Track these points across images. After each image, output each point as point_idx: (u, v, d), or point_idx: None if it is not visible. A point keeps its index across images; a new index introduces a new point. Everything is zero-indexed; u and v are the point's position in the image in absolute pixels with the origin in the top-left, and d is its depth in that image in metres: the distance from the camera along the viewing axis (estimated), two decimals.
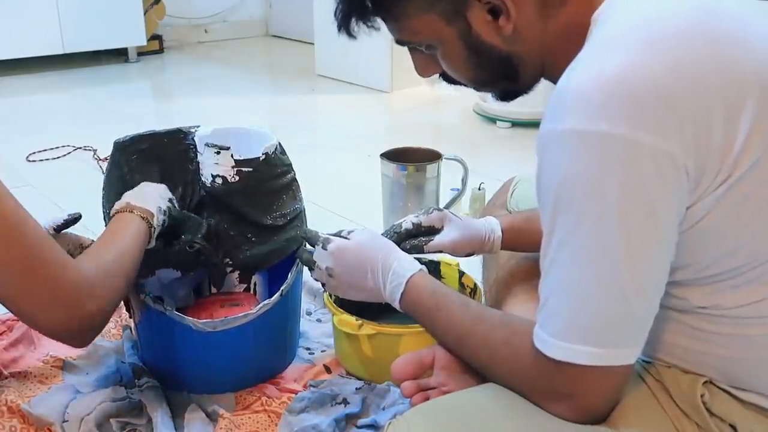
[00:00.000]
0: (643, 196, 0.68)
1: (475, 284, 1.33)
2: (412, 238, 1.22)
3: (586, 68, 0.70)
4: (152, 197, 1.17)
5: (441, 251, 1.23)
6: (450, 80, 0.90)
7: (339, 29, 0.88)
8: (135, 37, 3.87)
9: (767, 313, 0.74)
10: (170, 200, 1.21)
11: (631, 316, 0.72)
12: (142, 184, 1.21)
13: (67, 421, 1.15)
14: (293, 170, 1.34)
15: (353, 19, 0.85)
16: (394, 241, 1.17)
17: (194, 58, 4.21)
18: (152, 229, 1.13)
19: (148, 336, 1.28)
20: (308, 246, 1.10)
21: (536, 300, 1.18)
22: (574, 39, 0.77)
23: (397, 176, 1.75)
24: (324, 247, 1.05)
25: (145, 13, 3.89)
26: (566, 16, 0.78)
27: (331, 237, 1.07)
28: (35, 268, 0.89)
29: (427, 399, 0.89)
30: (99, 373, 1.27)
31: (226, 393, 1.24)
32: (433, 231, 1.22)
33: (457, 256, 1.25)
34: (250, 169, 1.27)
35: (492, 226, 1.22)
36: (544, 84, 0.88)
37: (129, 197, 1.16)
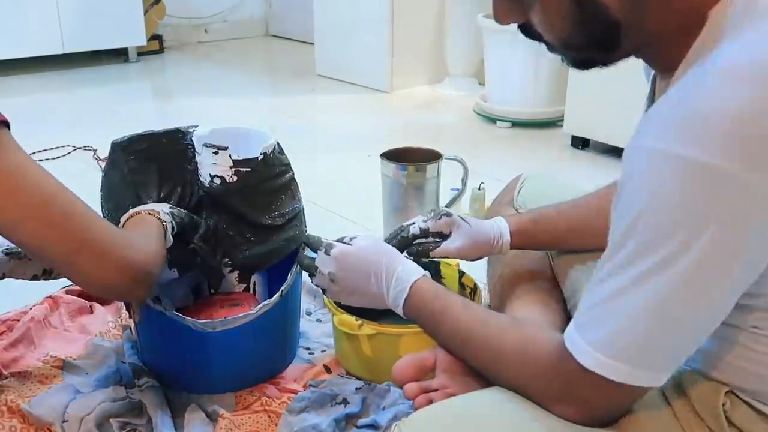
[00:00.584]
0: (738, 238, 0.65)
1: (474, 284, 1.33)
2: (418, 241, 1.21)
3: (711, 93, 0.65)
4: (152, 205, 1.18)
5: (447, 257, 1.22)
6: (530, 34, 0.81)
7: None
8: (135, 37, 3.87)
9: None
10: (171, 208, 1.21)
11: (680, 347, 0.71)
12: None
13: (67, 421, 1.15)
14: (292, 170, 1.33)
15: None
16: (399, 246, 1.18)
17: (194, 58, 4.21)
18: (164, 224, 1.13)
19: (148, 336, 1.28)
20: (308, 251, 1.10)
21: (539, 302, 1.18)
22: (687, 27, 0.71)
23: (397, 176, 1.75)
24: (327, 252, 1.06)
25: (145, 13, 3.89)
26: (688, 2, 0.71)
27: (334, 242, 1.07)
28: (79, 228, 0.92)
29: (430, 401, 0.89)
30: (99, 373, 1.27)
31: (226, 393, 1.24)
32: (440, 235, 1.20)
33: (464, 260, 1.24)
34: (248, 169, 1.27)
35: (501, 229, 1.20)
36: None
37: (132, 210, 1.16)
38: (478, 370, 0.87)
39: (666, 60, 0.76)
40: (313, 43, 3.77)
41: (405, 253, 1.19)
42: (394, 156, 1.77)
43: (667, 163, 0.65)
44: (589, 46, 0.77)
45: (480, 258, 1.24)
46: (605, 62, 0.81)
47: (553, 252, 1.25)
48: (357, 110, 3.19)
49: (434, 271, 1.40)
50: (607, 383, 0.71)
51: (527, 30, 0.80)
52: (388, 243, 1.17)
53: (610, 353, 0.70)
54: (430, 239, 1.20)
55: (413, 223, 1.21)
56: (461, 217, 1.21)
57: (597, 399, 0.73)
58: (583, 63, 0.82)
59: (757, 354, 0.75)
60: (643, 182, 0.67)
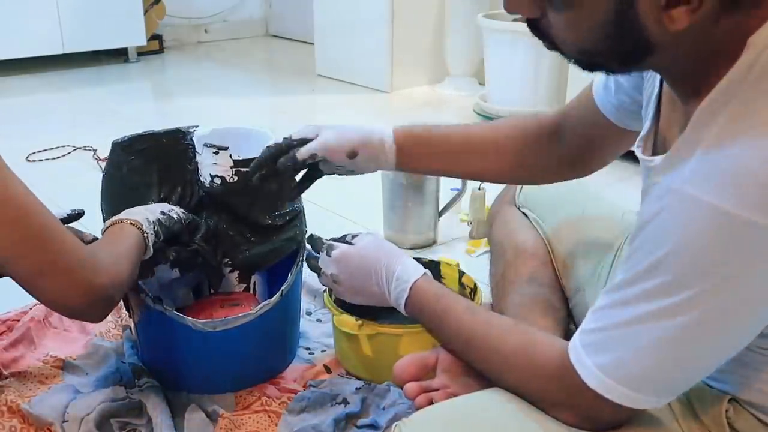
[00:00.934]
0: (760, 296, 0.65)
1: (475, 284, 1.33)
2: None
3: (760, 150, 0.62)
4: (138, 212, 1.16)
5: (316, 157, 1.08)
6: (537, 30, 0.75)
7: None
8: (135, 37, 3.87)
9: None
10: (162, 213, 1.19)
11: (689, 379, 0.72)
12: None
13: (67, 421, 1.15)
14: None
15: None
16: (268, 161, 1.09)
17: (194, 58, 4.21)
18: (145, 235, 1.12)
19: (148, 336, 1.28)
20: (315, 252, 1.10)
21: (539, 303, 1.18)
22: (723, 54, 0.67)
23: (397, 176, 1.75)
24: (328, 254, 1.06)
25: (145, 13, 3.89)
26: (732, 26, 0.66)
27: (335, 243, 1.07)
28: (50, 247, 0.92)
29: (430, 400, 0.89)
30: (99, 373, 1.27)
31: (226, 393, 1.24)
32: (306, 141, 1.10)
33: (336, 160, 1.08)
34: (248, 170, 1.27)
35: (381, 127, 1.10)
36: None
37: (116, 217, 1.15)
38: (479, 371, 0.87)
39: (688, 81, 0.73)
40: (313, 43, 3.77)
41: (278, 166, 1.09)
42: None
43: (706, 212, 0.64)
44: (608, 57, 0.73)
45: (362, 164, 1.10)
46: (616, 72, 0.78)
47: (555, 247, 1.24)
48: (357, 110, 3.19)
49: (434, 270, 1.39)
50: (608, 401, 0.72)
51: (536, 26, 0.74)
52: (260, 164, 1.10)
53: (615, 377, 0.71)
54: (294, 149, 1.09)
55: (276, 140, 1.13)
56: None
57: (596, 412, 0.74)
58: (591, 67, 0.76)
59: (760, 373, 0.75)
60: (677, 224, 0.66)
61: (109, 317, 1.42)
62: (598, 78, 1.01)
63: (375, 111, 3.18)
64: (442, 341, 0.94)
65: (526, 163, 1.12)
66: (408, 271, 0.98)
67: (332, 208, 2.03)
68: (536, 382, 0.78)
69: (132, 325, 1.35)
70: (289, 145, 1.10)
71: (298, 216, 1.33)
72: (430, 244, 1.83)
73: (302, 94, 3.47)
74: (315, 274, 1.14)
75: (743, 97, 0.65)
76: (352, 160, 1.08)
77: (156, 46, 4.15)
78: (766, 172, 0.61)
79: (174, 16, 4.30)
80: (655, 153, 0.81)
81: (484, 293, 1.35)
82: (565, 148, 1.09)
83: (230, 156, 1.27)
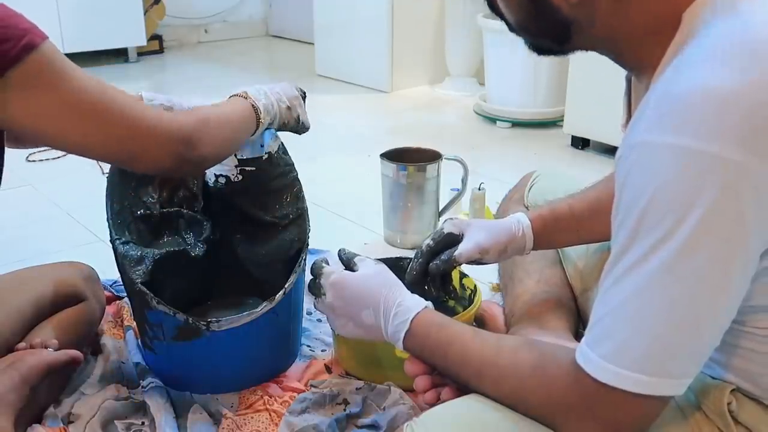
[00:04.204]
0: (738, 226, 0.64)
1: (475, 285, 1.33)
2: (435, 257, 1.17)
3: (699, 79, 0.65)
4: (260, 95, 1.19)
5: (474, 261, 1.16)
6: (494, 9, 0.84)
7: None
8: (135, 37, 3.88)
9: None
10: (288, 107, 1.23)
11: (697, 347, 0.69)
12: (270, 85, 1.25)
13: (72, 422, 1.15)
14: (296, 170, 1.34)
15: None
16: (421, 269, 1.16)
17: (194, 58, 4.21)
18: (259, 119, 1.16)
19: (152, 336, 1.28)
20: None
21: (550, 302, 1.17)
22: (660, 32, 0.72)
23: (397, 176, 1.75)
24: (325, 279, 1.01)
25: (145, 13, 3.89)
26: (651, 6, 0.73)
27: (333, 269, 1.02)
28: (135, 127, 0.96)
29: (438, 395, 0.89)
30: (102, 374, 1.27)
31: (229, 393, 1.24)
32: (452, 243, 1.16)
33: (491, 261, 1.18)
34: (253, 169, 1.27)
35: (518, 218, 1.16)
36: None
37: (248, 90, 1.20)
38: (494, 399, 0.81)
39: (637, 60, 0.77)
40: (313, 43, 3.77)
41: (430, 277, 1.17)
42: (394, 156, 1.77)
43: (658, 153, 0.64)
44: (540, 35, 0.82)
45: (505, 256, 1.18)
46: (559, 53, 0.84)
47: (565, 251, 1.24)
48: (357, 110, 3.20)
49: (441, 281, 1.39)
50: (627, 397, 0.69)
51: (492, 5, 0.83)
52: (410, 280, 1.15)
53: (624, 364, 0.68)
54: (447, 252, 1.16)
55: (420, 248, 1.18)
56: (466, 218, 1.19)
57: (619, 415, 0.71)
58: (538, 49, 0.85)
59: (759, 355, 0.75)
60: (637, 180, 0.66)
61: (111, 317, 1.42)
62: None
63: (375, 111, 3.18)
64: (448, 371, 0.88)
65: None
66: (409, 305, 0.93)
67: (332, 208, 2.04)
68: (553, 399, 0.75)
69: (134, 325, 1.35)
70: (437, 249, 1.17)
71: (302, 216, 1.33)
72: None
73: None
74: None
75: (684, 55, 0.68)
76: (504, 255, 1.16)
77: (156, 46, 4.15)
78: (699, 97, 0.63)
79: (174, 16, 4.30)
80: None
81: (484, 293, 1.36)
82: None
83: (235, 155, 1.27)
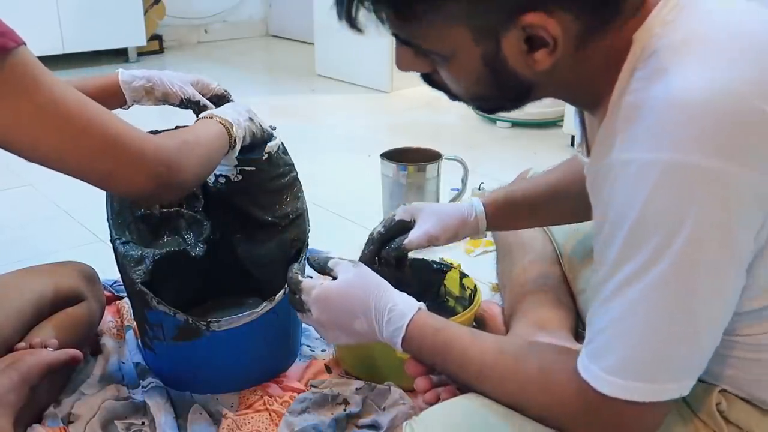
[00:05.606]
0: (727, 233, 0.64)
1: (475, 285, 1.33)
2: (387, 245, 1.16)
3: (668, 92, 0.65)
4: (225, 113, 1.17)
5: (424, 246, 1.16)
6: (433, 83, 0.81)
7: (340, 16, 0.73)
8: (135, 37, 3.87)
9: None
10: (250, 118, 1.22)
11: (697, 353, 0.69)
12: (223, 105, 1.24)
13: (72, 422, 1.15)
14: (295, 170, 1.34)
15: (358, 6, 0.72)
16: (371, 256, 1.15)
17: (194, 58, 4.21)
18: (232, 137, 1.14)
19: (152, 336, 1.28)
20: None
21: (549, 300, 1.17)
22: (609, 65, 0.72)
23: (397, 176, 1.75)
24: (307, 294, 0.98)
25: (145, 13, 3.89)
26: (604, 45, 0.72)
27: (312, 282, 0.98)
28: (115, 152, 0.92)
29: (437, 396, 0.88)
30: (102, 374, 1.27)
31: (229, 393, 1.24)
32: (405, 230, 1.16)
33: (440, 244, 1.18)
34: (253, 169, 1.27)
35: (473, 202, 1.17)
36: None
37: (207, 112, 1.18)
38: (496, 401, 0.81)
39: (592, 97, 0.77)
40: (313, 43, 3.77)
41: (378, 264, 1.16)
42: (394, 156, 1.77)
43: (641, 170, 0.65)
44: (500, 99, 0.79)
45: (456, 240, 1.19)
46: (513, 108, 0.82)
47: (562, 246, 1.24)
48: (357, 110, 3.19)
49: (439, 282, 1.39)
50: (632, 405, 0.69)
51: (430, 80, 0.80)
52: (364, 260, 1.14)
53: (627, 376, 0.69)
54: (397, 240, 1.16)
55: (372, 235, 1.18)
56: (420, 203, 1.19)
57: (626, 423, 0.71)
58: (489, 111, 0.85)
59: (746, 362, 0.75)
60: (622, 197, 0.66)
61: (111, 317, 1.42)
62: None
63: (375, 111, 3.18)
64: (448, 374, 0.88)
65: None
66: (401, 309, 0.90)
67: (332, 208, 2.04)
68: (556, 407, 0.75)
69: (134, 325, 1.35)
70: (389, 235, 1.17)
71: (301, 216, 1.34)
72: None
73: (302, 94, 3.47)
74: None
75: (646, 71, 0.68)
76: (455, 239, 1.17)
77: (156, 46, 4.15)
78: (685, 109, 0.63)
79: (174, 17, 4.30)
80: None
81: (484, 294, 1.36)
82: None
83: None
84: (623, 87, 0.70)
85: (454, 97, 0.81)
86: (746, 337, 0.74)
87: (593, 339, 0.72)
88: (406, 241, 1.14)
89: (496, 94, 0.77)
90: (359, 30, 0.74)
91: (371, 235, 1.18)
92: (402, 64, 0.79)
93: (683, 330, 0.67)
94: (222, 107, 1.22)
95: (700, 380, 0.77)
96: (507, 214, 1.18)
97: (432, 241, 1.15)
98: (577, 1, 0.68)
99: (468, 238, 1.29)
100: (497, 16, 0.69)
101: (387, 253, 1.16)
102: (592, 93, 0.76)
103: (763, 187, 0.64)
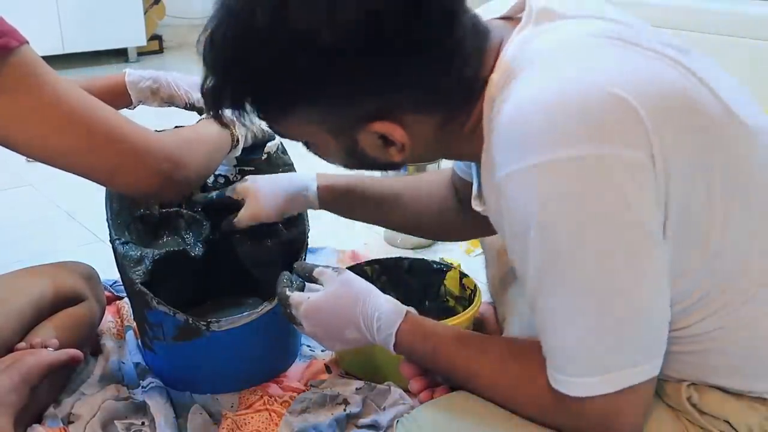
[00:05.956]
0: (627, 209, 0.66)
1: (475, 285, 1.33)
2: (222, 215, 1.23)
3: (521, 99, 0.69)
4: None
5: (253, 223, 1.22)
6: (312, 151, 0.87)
7: (209, 111, 0.81)
8: (135, 37, 3.87)
9: (711, 328, 0.74)
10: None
11: (648, 330, 0.71)
12: None
13: (72, 422, 1.15)
14: (295, 170, 1.34)
15: (225, 106, 0.79)
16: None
17: (194, 58, 4.11)
18: (234, 136, 1.14)
19: (152, 336, 1.28)
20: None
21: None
22: (473, 127, 0.78)
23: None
24: (295, 309, 0.98)
25: (145, 13, 3.89)
26: (463, 119, 0.78)
27: (300, 297, 0.98)
28: (118, 147, 0.92)
29: (432, 396, 0.89)
30: (102, 374, 1.27)
31: (229, 393, 1.24)
32: (237, 207, 1.22)
33: (270, 221, 1.23)
34: (252, 169, 1.27)
35: (307, 183, 1.20)
36: None
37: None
38: (490, 401, 0.82)
39: (464, 152, 0.84)
40: None
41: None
42: None
43: (525, 179, 0.67)
44: (376, 170, 0.89)
45: (285, 215, 1.24)
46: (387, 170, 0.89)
47: None
48: None
49: (439, 282, 1.39)
50: (611, 397, 0.70)
51: (309, 148, 0.86)
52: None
53: (595, 371, 0.70)
54: (226, 220, 1.22)
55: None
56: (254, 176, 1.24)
57: (612, 417, 0.72)
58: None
59: (695, 355, 0.76)
60: (517, 208, 0.69)
61: (111, 317, 1.42)
62: None
63: None
64: (442, 377, 0.90)
65: (448, 222, 1.19)
66: (388, 318, 0.90)
67: None
68: (543, 412, 0.76)
69: (134, 325, 1.35)
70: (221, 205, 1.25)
71: (301, 216, 1.34)
72: (430, 244, 1.83)
73: None
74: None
75: (499, 101, 0.72)
76: (283, 216, 1.24)
77: (156, 46, 4.15)
78: (545, 111, 0.66)
79: (174, 16, 4.30)
80: None
81: (484, 294, 1.36)
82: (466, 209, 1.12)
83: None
84: (488, 122, 0.74)
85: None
86: (682, 330, 0.75)
87: (548, 353, 0.73)
88: (235, 220, 1.21)
89: (368, 168, 0.87)
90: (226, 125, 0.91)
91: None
92: (275, 133, 0.87)
93: (622, 315, 0.68)
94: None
95: (668, 377, 0.78)
96: (339, 199, 1.21)
97: (259, 219, 1.22)
98: (425, 104, 0.75)
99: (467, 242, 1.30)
100: (347, 121, 0.76)
101: (223, 228, 1.24)
102: (465, 150, 0.81)
103: (642, 162, 0.66)
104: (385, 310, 0.91)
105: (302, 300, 0.97)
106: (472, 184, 0.94)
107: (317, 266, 1.03)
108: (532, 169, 0.66)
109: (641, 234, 0.67)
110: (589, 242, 0.66)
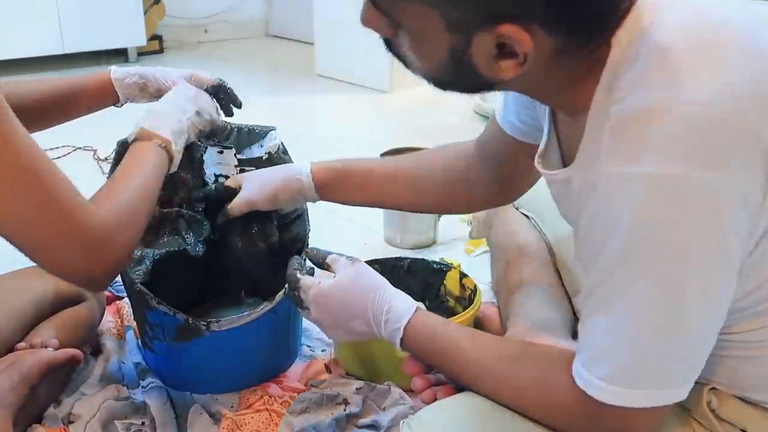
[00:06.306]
0: (719, 241, 0.65)
1: (475, 285, 1.33)
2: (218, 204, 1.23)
3: (651, 101, 0.65)
4: (168, 118, 1.10)
5: (245, 211, 1.21)
6: (391, 49, 0.78)
7: None
8: (135, 37, 3.87)
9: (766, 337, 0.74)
10: (198, 112, 1.16)
11: (692, 359, 0.70)
12: (165, 96, 1.17)
13: (72, 422, 1.15)
14: None
15: None
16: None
17: (194, 58, 4.21)
18: (171, 156, 1.07)
19: (152, 336, 1.28)
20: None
21: (545, 302, 1.17)
22: (585, 71, 0.72)
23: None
24: (304, 292, 0.98)
25: (145, 13, 3.89)
26: (580, 56, 0.71)
27: (311, 281, 0.97)
28: (53, 216, 0.83)
29: (434, 395, 0.88)
30: (102, 374, 1.27)
31: (229, 393, 1.24)
32: (233, 196, 1.21)
33: (266, 208, 1.22)
34: (253, 168, 1.27)
35: (300, 168, 1.19)
36: None
37: (145, 121, 1.08)
38: (497, 402, 0.82)
39: (566, 101, 0.77)
40: (313, 43, 3.77)
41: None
42: (394, 155, 1.77)
43: (629, 183, 0.65)
44: (457, 87, 0.78)
45: (279, 204, 1.22)
46: (466, 93, 0.81)
47: (557, 250, 1.24)
48: (357, 110, 3.19)
49: (439, 282, 1.39)
50: (633, 411, 0.70)
51: (390, 45, 0.78)
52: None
53: (627, 383, 0.69)
54: (223, 209, 1.22)
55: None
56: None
57: (629, 428, 0.72)
58: (443, 87, 0.80)
59: (732, 359, 0.75)
60: (613, 210, 0.67)
61: (111, 317, 1.42)
62: (499, 101, 1.03)
63: (375, 111, 3.18)
64: (447, 376, 0.89)
65: (453, 194, 1.17)
66: (398, 311, 0.89)
67: (332, 208, 2.03)
68: (555, 413, 0.76)
69: (134, 325, 1.35)
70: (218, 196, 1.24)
71: (301, 216, 1.34)
72: (430, 244, 1.83)
73: (302, 94, 3.47)
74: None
75: (626, 79, 0.67)
76: (277, 203, 1.21)
77: (156, 46, 4.15)
78: (669, 122, 0.63)
79: (174, 16, 4.30)
80: (565, 165, 0.83)
81: (484, 294, 1.36)
82: (488, 174, 1.10)
83: (235, 155, 1.27)
84: (606, 92, 0.70)
85: (407, 66, 0.79)
86: (734, 334, 0.74)
87: (586, 347, 0.72)
88: (228, 208, 1.21)
89: (453, 81, 0.76)
90: None
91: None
92: (364, 20, 0.76)
93: (676, 336, 0.67)
94: (165, 100, 1.15)
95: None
96: (337, 182, 1.18)
97: (251, 206, 1.20)
98: (558, 24, 0.67)
99: (469, 240, 1.29)
100: (474, 15, 0.68)
101: (218, 220, 1.23)
102: (565, 97, 0.76)
103: (751, 196, 0.64)
104: (396, 303, 0.90)
105: (313, 284, 0.96)
106: (515, 143, 0.93)
107: (331, 253, 1.02)
108: (640, 176, 0.64)
109: (724, 265, 0.66)
110: (671, 260, 0.65)
